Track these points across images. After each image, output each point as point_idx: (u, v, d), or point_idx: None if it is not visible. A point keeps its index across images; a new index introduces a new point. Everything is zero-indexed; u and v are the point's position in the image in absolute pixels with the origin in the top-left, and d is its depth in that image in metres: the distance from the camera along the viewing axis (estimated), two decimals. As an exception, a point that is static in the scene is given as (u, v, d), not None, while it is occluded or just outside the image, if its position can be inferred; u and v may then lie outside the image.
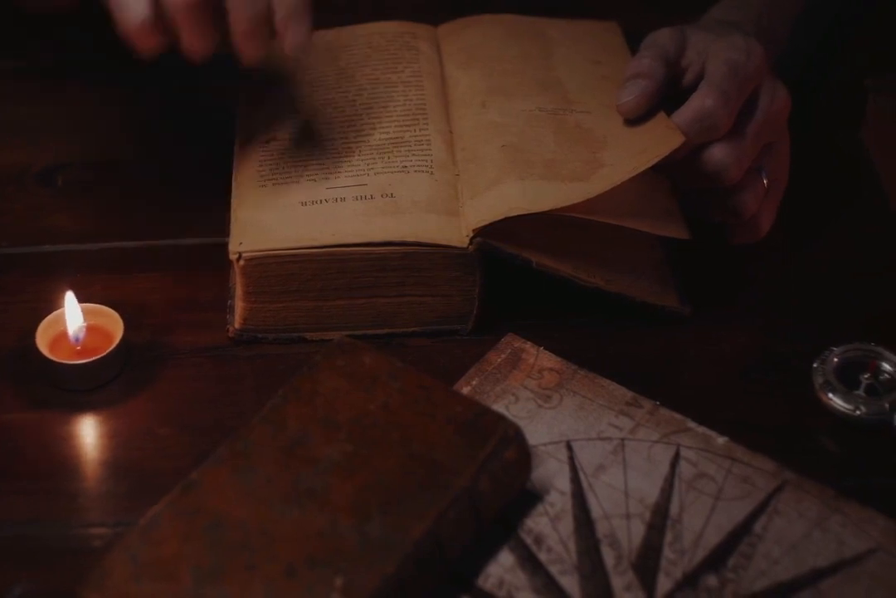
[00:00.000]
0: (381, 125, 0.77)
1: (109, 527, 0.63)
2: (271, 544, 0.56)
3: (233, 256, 0.69)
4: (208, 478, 0.59)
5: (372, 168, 0.74)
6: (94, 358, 0.68)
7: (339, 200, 0.72)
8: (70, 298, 0.70)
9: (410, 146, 0.75)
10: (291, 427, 0.61)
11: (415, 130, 0.76)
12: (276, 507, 0.58)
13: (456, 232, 0.70)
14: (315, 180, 0.73)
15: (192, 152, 0.83)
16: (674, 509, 0.62)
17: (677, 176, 0.73)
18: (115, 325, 0.70)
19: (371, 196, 0.72)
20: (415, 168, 0.73)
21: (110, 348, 0.69)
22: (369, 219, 0.70)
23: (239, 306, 0.71)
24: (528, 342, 0.71)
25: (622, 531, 0.62)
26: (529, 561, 0.60)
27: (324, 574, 0.55)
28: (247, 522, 0.57)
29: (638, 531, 0.62)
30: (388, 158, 0.74)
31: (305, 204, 0.71)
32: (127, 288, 0.74)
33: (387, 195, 0.72)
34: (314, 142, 0.76)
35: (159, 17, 0.67)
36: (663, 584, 0.59)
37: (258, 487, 0.59)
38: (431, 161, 0.74)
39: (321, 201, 0.71)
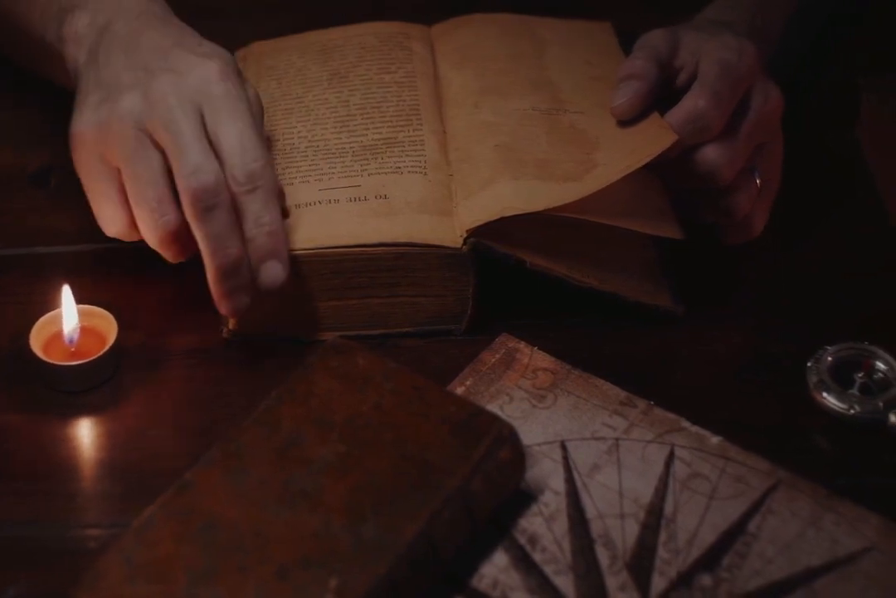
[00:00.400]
0: (375, 126, 0.77)
1: (105, 528, 0.63)
2: (265, 545, 0.56)
3: (227, 258, 0.70)
4: (202, 479, 0.59)
5: (365, 169, 0.73)
6: (88, 360, 0.68)
7: (332, 201, 0.72)
8: (67, 292, 0.70)
9: (404, 147, 0.75)
10: (285, 428, 0.61)
11: (408, 131, 0.76)
12: (269, 508, 0.58)
13: (450, 232, 0.70)
14: (308, 182, 0.73)
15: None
16: (668, 508, 0.62)
17: (670, 177, 0.73)
18: (108, 326, 0.70)
19: (365, 197, 0.72)
20: (408, 169, 0.73)
21: (104, 350, 0.69)
22: (363, 220, 0.70)
23: (233, 307, 0.71)
24: (523, 342, 0.71)
25: (616, 530, 0.61)
26: (524, 561, 0.60)
27: (317, 575, 0.55)
28: (240, 523, 0.57)
29: (632, 530, 0.62)
30: (382, 158, 0.74)
31: (299, 206, 0.71)
32: (121, 289, 0.74)
33: (380, 196, 0.72)
34: (307, 143, 0.76)
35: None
36: (658, 584, 0.59)
37: (251, 488, 0.59)
38: (425, 162, 0.74)
39: (315, 203, 0.71)
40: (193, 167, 0.64)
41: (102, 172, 0.67)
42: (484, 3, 0.87)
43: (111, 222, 0.69)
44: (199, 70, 0.67)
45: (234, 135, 0.65)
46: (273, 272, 0.67)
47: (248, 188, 0.65)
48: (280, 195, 0.68)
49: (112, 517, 0.64)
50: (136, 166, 0.66)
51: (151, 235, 0.67)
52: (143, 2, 0.72)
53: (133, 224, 0.68)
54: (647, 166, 0.70)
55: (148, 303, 0.74)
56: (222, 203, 0.65)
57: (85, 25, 0.71)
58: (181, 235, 0.67)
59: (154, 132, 0.66)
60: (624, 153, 0.72)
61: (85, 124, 0.67)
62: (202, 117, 0.66)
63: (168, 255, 0.69)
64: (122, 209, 0.68)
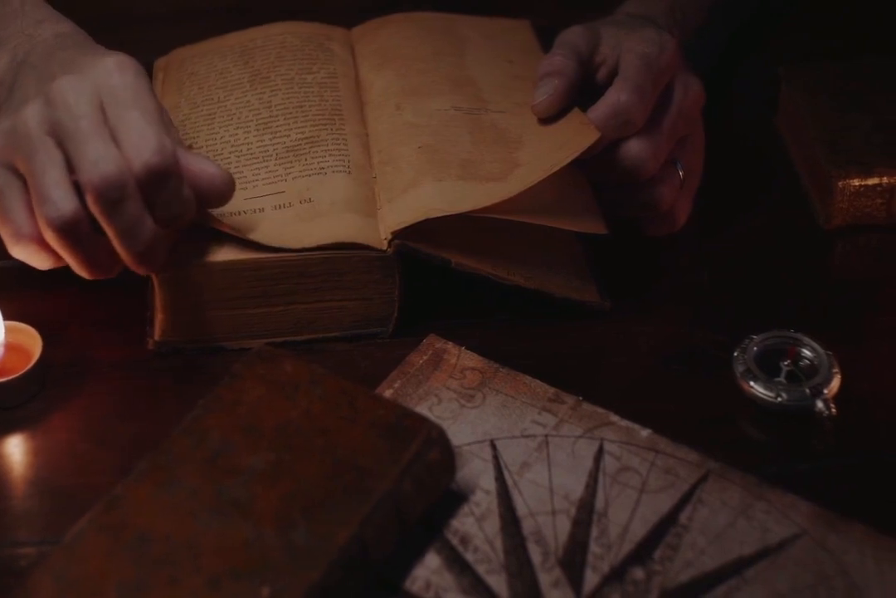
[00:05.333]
0: (297, 125, 0.76)
1: (35, 546, 0.63)
2: (196, 556, 0.56)
3: (151, 269, 0.69)
4: (131, 493, 0.59)
5: (289, 172, 0.73)
6: (12, 377, 0.68)
7: (257, 211, 0.71)
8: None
9: (327, 146, 0.75)
10: (213, 438, 0.61)
11: (331, 129, 0.76)
12: (200, 519, 0.57)
13: (374, 234, 0.70)
14: None
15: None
16: (599, 503, 0.63)
17: (593, 171, 0.73)
18: (33, 342, 0.69)
19: (290, 203, 0.71)
20: (332, 169, 0.73)
21: (29, 366, 0.68)
22: (288, 227, 0.70)
23: (158, 317, 0.70)
24: (450, 343, 0.70)
25: (548, 527, 0.62)
26: (456, 562, 0.60)
27: (249, 585, 0.55)
28: (171, 535, 0.57)
29: (564, 527, 0.62)
30: (306, 159, 0.74)
31: (223, 215, 0.70)
32: (45, 304, 0.74)
33: (305, 200, 0.71)
34: (230, 148, 0.75)
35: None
36: (590, 579, 0.60)
37: (181, 499, 0.58)
38: (349, 161, 0.74)
39: (240, 213, 0.71)
40: (93, 159, 0.63)
41: (7, 181, 0.66)
42: (405, 1, 0.86)
43: (16, 235, 0.66)
44: (97, 67, 0.66)
45: (132, 127, 0.64)
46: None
47: (151, 183, 0.64)
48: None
49: (42, 535, 0.63)
50: (38, 165, 0.64)
51: (48, 229, 0.64)
52: (60, 31, 0.72)
53: (42, 236, 0.65)
54: (570, 163, 0.70)
55: (73, 317, 0.73)
56: (128, 195, 0.63)
57: (4, 66, 0.70)
58: (85, 234, 0.64)
59: (58, 134, 0.64)
60: (547, 151, 0.72)
61: None
62: (103, 112, 0.65)
63: (71, 262, 0.66)
64: (28, 219, 0.65)
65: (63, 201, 0.63)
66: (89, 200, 0.63)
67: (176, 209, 0.65)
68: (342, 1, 0.90)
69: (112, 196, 0.63)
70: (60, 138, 0.64)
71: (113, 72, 0.66)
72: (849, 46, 0.91)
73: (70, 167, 0.64)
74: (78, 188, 0.64)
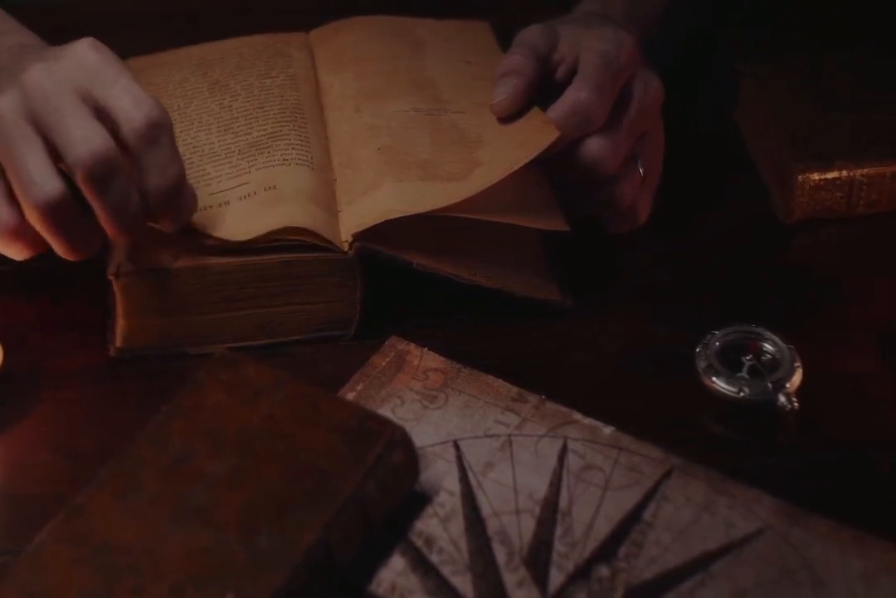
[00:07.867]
0: (259, 124, 0.76)
1: (-4, 557, 0.62)
2: (158, 564, 0.56)
3: (111, 275, 0.69)
4: (93, 502, 0.58)
5: (253, 164, 0.73)
6: (-28, 387, 0.68)
7: (223, 204, 0.71)
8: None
9: (290, 139, 0.75)
10: (175, 445, 0.60)
11: (293, 126, 0.76)
12: (162, 526, 0.57)
13: (335, 233, 0.70)
14: (197, 189, 0.72)
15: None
16: (563, 502, 0.63)
17: (552, 169, 0.73)
18: (-7, 351, 0.69)
19: (254, 192, 0.71)
20: (296, 161, 0.73)
21: (-11, 376, 0.68)
22: (254, 215, 0.70)
23: (119, 324, 0.70)
24: (412, 344, 0.70)
25: (513, 527, 0.62)
26: (421, 563, 0.60)
27: (213, 592, 0.55)
28: (133, 544, 0.57)
29: (528, 526, 0.62)
30: (269, 152, 0.74)
31: None
32: (6, 313, 0.73)
33: (270, 188, 0.71)
34: (192, 149, 0.75)
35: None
36: (555, 578, 0.60)
37: (143, 507, 0.58)
38: (311, 158, 0.74)
39: (205, 208, 0.71)
40: (79, 137, 0.62)
41: None
42: (365, 3, 0.86)
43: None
44: (72, 49, 0.65)
45: (123, 92, 0.64)
46: (173, 223, 0.67)
47: (151, 138, 0.63)
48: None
49: (4, 545, 0.62)
50: (17, 152, 0.63)
51: (34, 213, 0.64)
52: (24, 42, 0.71)
53: (20, 225, 0.65)
54: (530, 161, 0.70)
55: (34, 325, 0.73)
56: (116, 169, 0.63)
57: None
58: (70, 215, 0.64)
59: (36, 120, 0.64)
60: (507, 151, 0.72)
61: None
62: (84, 94, 0.64)
63: (58, 243, 0.66)
64: (8, 209, 0.65)
65: (48, 183, 0.63)
66: (79, 178, 0.63)
67: (171, 172, 0.64)
68: (342, 0, 0.90)
69: (102, 171, 0.62)
70: (40, 126, 0.64)
71: (89, 51, 0.65)
72: (839, 45, 0.90)
73: (51, 153, 0.63)
74: (61, 172, 0.63)
